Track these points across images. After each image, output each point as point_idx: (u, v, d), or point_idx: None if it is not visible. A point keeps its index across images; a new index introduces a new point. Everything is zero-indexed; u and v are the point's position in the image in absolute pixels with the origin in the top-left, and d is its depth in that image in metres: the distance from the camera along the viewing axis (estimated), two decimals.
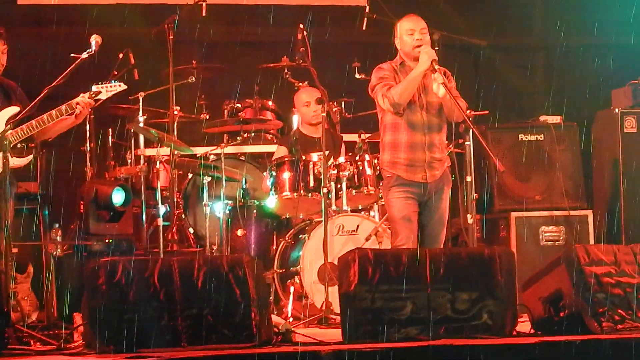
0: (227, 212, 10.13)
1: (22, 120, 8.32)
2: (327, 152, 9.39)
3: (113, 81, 8.69)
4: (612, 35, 11.75)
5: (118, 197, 10.11)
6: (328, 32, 10.66)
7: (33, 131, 8.37)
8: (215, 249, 9.97)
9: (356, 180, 9.76)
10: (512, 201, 10.90)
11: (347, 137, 10.11)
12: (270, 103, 10.42)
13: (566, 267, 7.36)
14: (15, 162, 8.42)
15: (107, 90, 8.54)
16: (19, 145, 8.47)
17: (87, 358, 6.63)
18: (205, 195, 10.14)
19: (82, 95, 8.45)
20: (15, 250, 8.91)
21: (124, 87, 8.68)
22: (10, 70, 8.73)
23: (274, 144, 10.35)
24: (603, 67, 11.63)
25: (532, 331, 7.52)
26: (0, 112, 8.49)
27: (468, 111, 9.05)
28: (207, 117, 10.50)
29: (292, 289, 9.57)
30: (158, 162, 10.10)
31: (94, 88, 8.48)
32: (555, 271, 7.50)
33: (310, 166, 9.80)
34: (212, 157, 10.10)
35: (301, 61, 9.87)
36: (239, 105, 10.35)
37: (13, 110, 8.45)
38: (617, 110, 11.05)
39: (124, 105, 9.90)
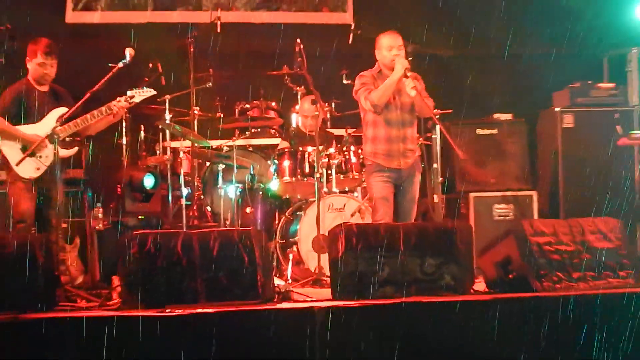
0: (238, 193, 10.12)
1: (69, 119, 8.36)
2: (320, 146, 9.47)
3: (145, 87, 8.73)
4: (554, 47, 11.73)
5: (149, 181, 10.18)
6: (321, 46, 10.65)
7: (78, 127, 8.42)
8: (228, 223, 9.97)
9: (343, 167, 9.77)
10: (470, 184, 10.91)
11: (336, 131, 10.13)
12: (273, 104, 10.42)
13: (514, 238, 7.39)
14: (63, 153, 8.49)
15: (140, 94, 8.59)
16: (67, 139, 8.51)
17: (123, 312, 6.64)
18: (220, 179, 10.14)
19: (118, 98, 8.49)
20: (64, 225, 8.93)
21: (153, 92, 8.73)
22: (59, 78, 8.77)
23: (277, 138, 10.38)
24: (546, 73, 11.61)
25: (487, 290, 7.58)
26: (51, 112, 8.52)
27: (435, 110, 9.09)
28: (222, 115, 10.50)
29: (290, 256, 9.58)
30: (181, 153, 10.12)
31: (129, 93, 8.53)
32: (505, 241, 7.52)
33: (306, 156, 9.83)
34: (225, 148, 10.11)
35: (298, 69, 9.86)
36: (248, 106, 10.34)
37: (62, 110, 8.46)
38: (557, 109, 11.07)
39: (153, 106, 9.90)
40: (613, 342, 6.57)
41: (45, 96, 8.64)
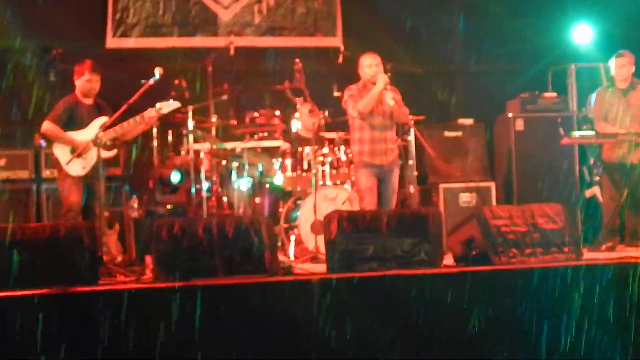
0: (249, 186, 10.12)
1: (109, 126, 8.36)
2: (316, 147, 9.43)
3: (171, 100, 8.70)
4: (507, 63, 11.71)
5: (175, 177, 10.11)
6: (315, 64, 10.61)
7: (117, 133, 8.41)
8: (241, 211, 9.96)
9: (335, 164, 9.75)
10: (440, 177, 10.86)
11: (328, 135, 10.07)
12: (277, 112, 10.33)
13: (477, 221, 7.36)
14: (105, 154, 8.44)
15: (166, 106, 8.57)
16: (107, 143, 8.49)
17: (155, 285, 6.64)
18: (234, 175, 10.10)
19: (149, 109, 8.47)
20: (106, 214, 8.91)
21: (178, 104, 8.70)
22: (101, 92, 8.75)
23: (280, 140, 10.32)
24: (501, 85, 11.61)
25: (454, 264, 7.54)
26: (95, 120, 8.51)
27: (410, 116, 9.05)
28: (235, 122, 10.45)
29: (292, 237, 9.53)
30: (202, 153, 10.04)
31: (158, 105, 8.51)
32: (469, 224, 7.49)
33: (304, 155, 9.80)
34: (238, 149, 10.06)
35: (297, 84, 9.83)
36: (256, 114, 10.27)
37: (103, 119, 8.44)
38: (510, 115, 11.00)
39: (179, 115, 9.84)
40: (557, 305, 6.56)
41: (90, 108, 8.65)
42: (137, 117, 8.43)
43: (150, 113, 8.47)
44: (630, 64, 9.42)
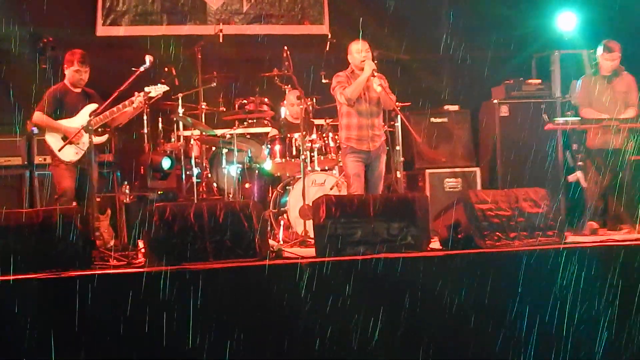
0: (239, 172, 10.14)
1: (99, 113, 8.40)
2: (304, 133, 9.45)
3: (159, 84, 8.73)
4: (492, 50, 11.72)
5: (166, 163, 10.14)
6: (303, 52, 10.62)
7: (107, 119, 8.48)
8: (231, 197, 9.97)
9: (323, 150, 9.76)
10: (426, 162, 10.93)
11: (317, 121, 10.10)
12: (265, 99, 10.36)
13: (462, 205, 7.38)
14: (96, 140, 8.51)
15: (155, 90, 8.61)
16: (99, 130, 8.53)
17: (147, 269, 6.63)
18: (224, 161, 10.11)
19: (136, 93, 8.51)
20: (98, 199, 8.96)
21: (166, 88, 8.76)
22: (93, 80, 8.81)
23: (269, 127, 10.34)
24: (486, 72, 11.63)
25: (441, 248, 7.57)
26: (84, 107, 8.61)
27: (397, 102, 9.09)
28: (224, 109, 10.47)
29: (282, 222, 9.57)
30: (192, 140, 10.08)
31: (146, 89, 8.57)
32: (455, 208, 7.48)
33: (293, 141, 9.79)
34: (228, 135, 10.06)
35: (285, 71, 9.86)
36: (245, 101, 10.30)
37: (93, 106, 8.57)
38: (495, 101, 11.07)
39: (168, 102, 9.86)
40: (541, 287, 6.59)
41: (78, 96, 8.74)
42: (127, 102, 8.48)
43: (139, 98, 8.50)
44: (618, 57, 9.45)
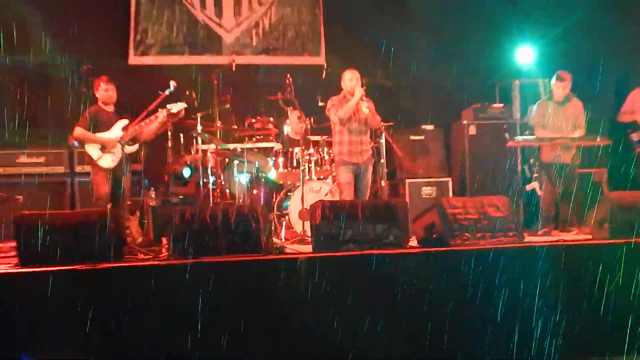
0: (248, 180, 10.13)
1: (129, 127, 8.49)
2: (303, 147, 9.45)
3: (178, 102, 8.74)
4: (462, 78, 11.72)
5: (186, 172, 10.15)
6: (303, 79, 10.61)
7: (136, 132, 8.57)
8: (241, 201, 9.96)
9: (319, 162, 9.78)
10: (406, 173, 10.90)
11: (314, 138, 10.09)
12: (271, 119, 10.36)
13: (437, 210, 7.34)
14: (128, 149, 8.58)
15: (175, 107, 8.67)
16: (129, 141, 8.55)
17: (170, 262, 6.61)
18: (235, 170, 10.13)
19: (160, 110, 8.53)
20: (129, 202, 8.96)
21: (184, 105, 8.81)
22: (124, 101, 8.88)
23: (274, 142, 10.34)
24: (457, 97, 11.63)
25: (418, 245, 7.56)
26: (117, 123, 8.67)
27: (381, 122, 9.10)
28: (236, 127, 10.46)
29: (284, 223, 9.56)
30: (208, 153, 10.06)
31: (168, 106, 8.61)
32: (430, 212, 7.47)
33: (294, 154, 9.81)
34: (239, 149, 10.07)
35: (288, 95, 9.84)
36: (254, 120, 10.30)
37: (124, 122, 8.62)
38: (464, 122, 11.06)
39: (189, 121, 9.84)
40: (502, 279, 6.58)
41: (111, 114, 8.76)
42: (152, 117, 8.52)
43: (163, 113, 8.52)
44: (568, 86, 9.46)
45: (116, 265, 6.47)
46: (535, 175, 10.36)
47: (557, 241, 7.76)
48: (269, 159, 10.03)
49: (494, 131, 10.90)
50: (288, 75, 9.87)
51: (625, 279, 6.62)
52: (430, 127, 11.29)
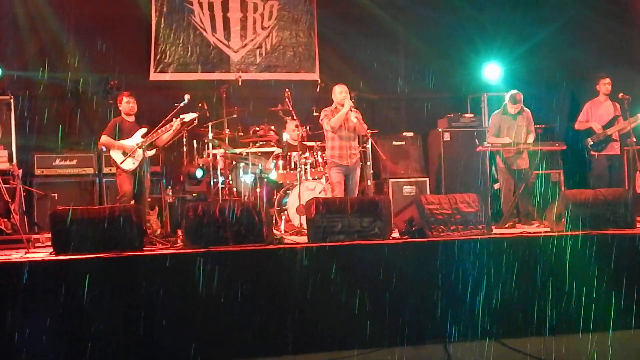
0: (252, 180, 10.10)
1: (147, 135, 8.47)
2: (300, 152, 9.43)
3: (190, 112, 8.72)
4: (437, 91, 11.72)
5: (199, 173, 10.09)
6: (300, 92, 10.61)
7: (154, 138, 8.52)
8: (246, 198, 9.94)
9: (314, 164, 9.75)
10: (389, 174, 10.84)
11: (309, 143, 10.05)
12: (272, 127, 10.32)
13: (416, 206, 7.35)
14: (148, 153, 8.58)
15: (188, 116, 8.66)
16: (148, 147, 8.54)
17: (184, 251, 6.63)
18: (241, 172, 10.10)
19: (174, 119, 8.50)
20: (149, 199, 8.95)
21: (195, 114, 8.76)
22: (145, 112, 8.93)
23: (275, 147, 10.31)
24: (433, 107, 11.61)
25: (400, 236, 7.54)
26: (137, 131, 8.65)
27: (368, 130, 9.06)
28: (242, 134, 10.43)
29: (283, 217, 9.53)
30: (218, 156, 10.03)
31: (181, 116, 8.53)
32: (410, 207, 7.48)
33: (292, 158, 9.80)
34: (244, 153, 10.06)
35: (287, 106, 9.84)
36: (257, 128, 10.26)
37: (143, 130, 8.62)
38: (440, 129, 11.02)
39: (201, 129, 9.81)
40: (473, 265, 6.59)
41: (132, 124, 8.76)
42: (167, 126, 8.50)
43: (176, 122, 8.50)
44: (520, 106, 9.49)
45: (138, 253, 6.49)
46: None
47: (520, 233, 7.78)
48: (270, 161, 10.00)
49: (466, 138, 10.88)
50: (287, 90, 9.87)
51: (579, 265, 6.64)
52: (410, 134, 11.26)
